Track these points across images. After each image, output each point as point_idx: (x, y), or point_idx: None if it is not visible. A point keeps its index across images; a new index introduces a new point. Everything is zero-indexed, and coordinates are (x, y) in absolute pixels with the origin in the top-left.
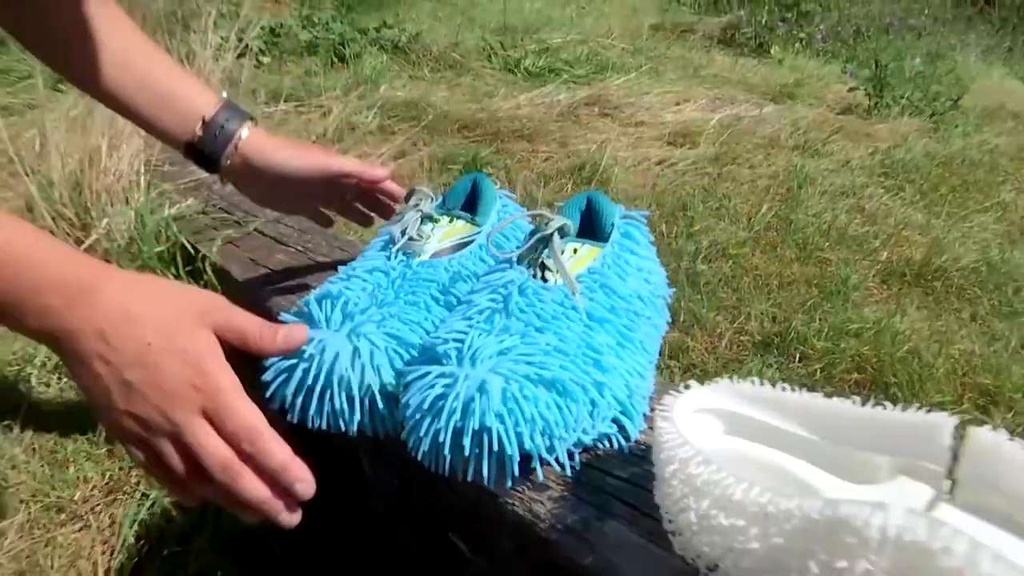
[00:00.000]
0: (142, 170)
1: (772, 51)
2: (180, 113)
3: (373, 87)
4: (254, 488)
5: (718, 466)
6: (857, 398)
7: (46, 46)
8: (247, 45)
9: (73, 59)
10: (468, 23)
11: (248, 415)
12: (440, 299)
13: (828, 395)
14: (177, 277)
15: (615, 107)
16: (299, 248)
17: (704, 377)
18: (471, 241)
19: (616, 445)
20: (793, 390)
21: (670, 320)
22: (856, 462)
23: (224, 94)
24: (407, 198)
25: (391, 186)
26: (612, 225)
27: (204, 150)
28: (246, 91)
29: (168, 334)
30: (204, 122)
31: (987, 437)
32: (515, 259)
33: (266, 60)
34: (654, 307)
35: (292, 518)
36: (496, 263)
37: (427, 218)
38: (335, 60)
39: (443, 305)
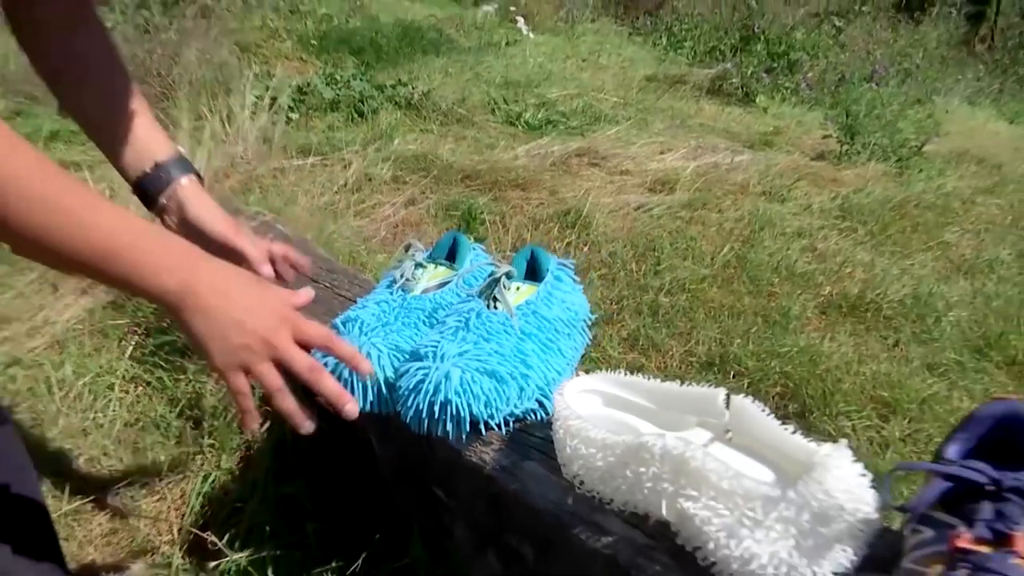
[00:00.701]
0: None
1: (758, 100)
2: (137, 152)
3: (388, 141)
4: (331, 382)
5: (584, 420)
6: (678, 381)
7: (43, 70)
8: (278, 103)
9: (63, 87)
10: (475, 78)
11: (321, 329)
12: (426, 321)
13: (663, 380)
14: None
15: (603, 157)
16: (327, 284)
17: None
18: (450, 281)
19: (538, 417)
20: (646, 377)
21: (590, 340)
22: (675, 419)
23: (182, 148)
24: (406, 248)
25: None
26: (547, 270)
27: (147, 188)
28: (278, 147)
29: (260, 285)
30: (155, 164)
31: (740, 401)
32: (476, 294)
33: (295, 116)
34: (574, 327)
35: (355, 409)
36: (464, 297)
37: (419, 265)
38: (355, 115)
39: (428, 325)
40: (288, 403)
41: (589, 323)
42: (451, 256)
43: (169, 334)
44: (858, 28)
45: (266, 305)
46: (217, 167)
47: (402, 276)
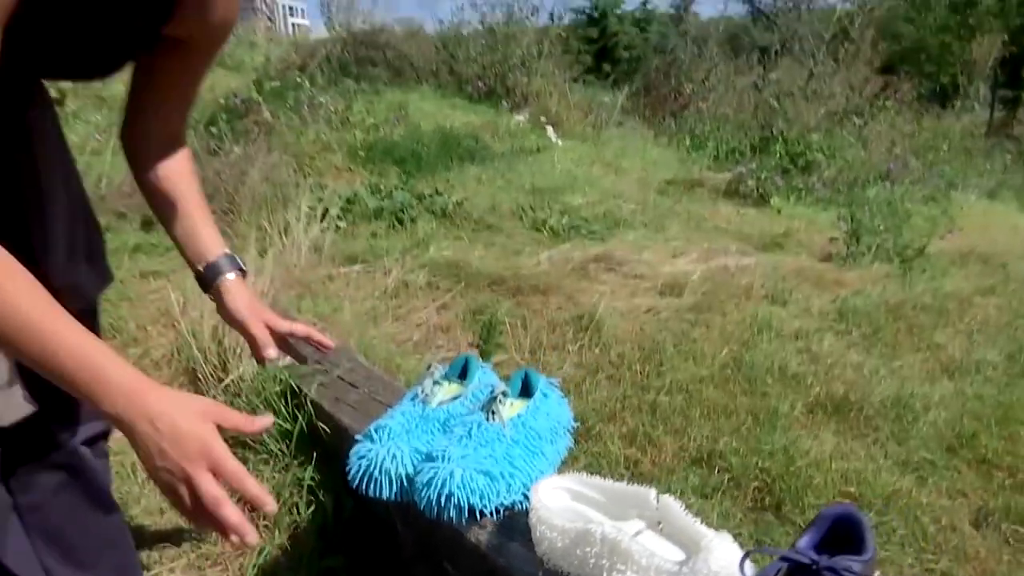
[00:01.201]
0: None
1: (772, 201)
2: (199, 249)
3: (424, 248)
4: (234, 512)
5: (550, 511)
6: (625, 481)
7: (142, 179)
8: (329, 214)
9: (155, 194)
10: (506, 185)
11: (234, 465)
12: (440, 429)
13: (618, 480)
14: (287, 408)
15: (619, 262)
16: (365, 390)
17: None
18: (460, 396)
19: (523, 507)
20: (604, 478)
21: (572, 444)
22: (622, 511)
23: (226, 248)
24: (427, 367)
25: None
26: (538, 388)
27: (204, 279)
28: (327, 256)
29: (189, 422)
30: (207, 263)
31: (666, 499)
32: (479, 407)
33: (343, 225)
34: (557, 435)
35: (255, 538)
36: (470, 409)
37: (436, 383)
38: (396, 224)
39: (441, 432)
40: (226, 513)
41: (572, 430)
42: (464, 374)
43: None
44: (881, 123)
45: (190, 439)
46: (276, 275)
47: (423, 391)
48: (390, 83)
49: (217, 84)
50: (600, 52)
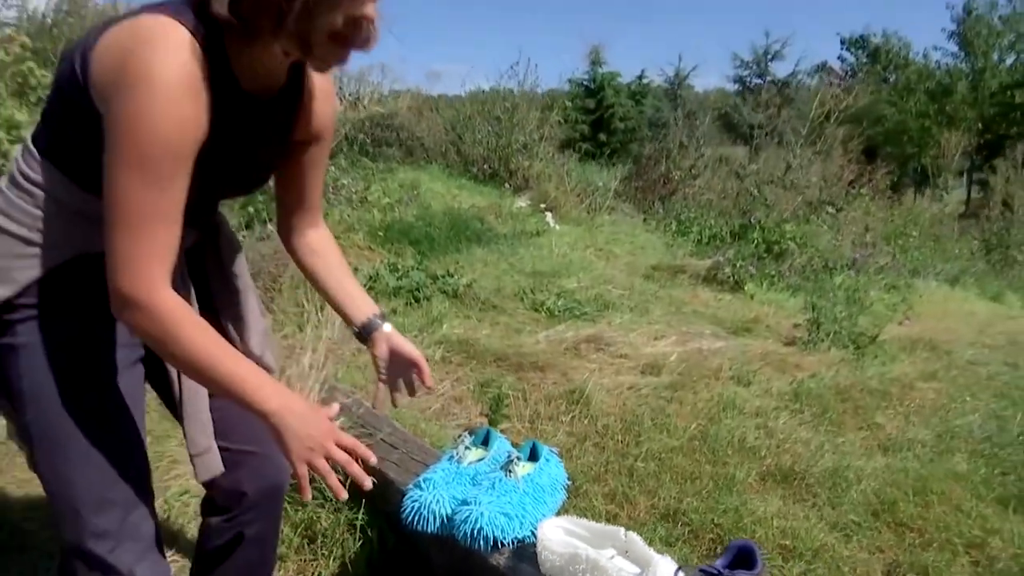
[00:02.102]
0: (315, 401)
1: (746, 287)
2: (354, 310)
3: (439, 326)
4: (357, 470)
5: (551, 541)
6: (604, 522)
7: (297, 256)
8: None
9: (308, 267)
10: (509, 268)
11: (349, 438)
12: (470, 482)
13: (598, 522)
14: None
15: (607, 343)
16: (404, 451)
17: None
18: (484, 458)
19: (531, 539)
20: (592, 520)
21: (566, 495)
22: (600, 543)
23: (377, 307)
24: (459, 436)
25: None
26: (541, 454)
27: (364, 333)
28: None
29: (318, 416)
30: (368, 318)
31: (631, 535)
32: (499, 467)
33: None
34: (556, 489)
35: (369, 484)
36: (493, 468)
37: (467, 448)
38: (413, 301)
39: (472, 485)
40: (354, 470)
41: (567, 486)
42: (486, 441)
43: (291, 478)
44: (856, 209)
45: (319, 424)
46: (315, 347)
47: (457, 454)
48: (403, 162)
49: None
50: (596, 122)
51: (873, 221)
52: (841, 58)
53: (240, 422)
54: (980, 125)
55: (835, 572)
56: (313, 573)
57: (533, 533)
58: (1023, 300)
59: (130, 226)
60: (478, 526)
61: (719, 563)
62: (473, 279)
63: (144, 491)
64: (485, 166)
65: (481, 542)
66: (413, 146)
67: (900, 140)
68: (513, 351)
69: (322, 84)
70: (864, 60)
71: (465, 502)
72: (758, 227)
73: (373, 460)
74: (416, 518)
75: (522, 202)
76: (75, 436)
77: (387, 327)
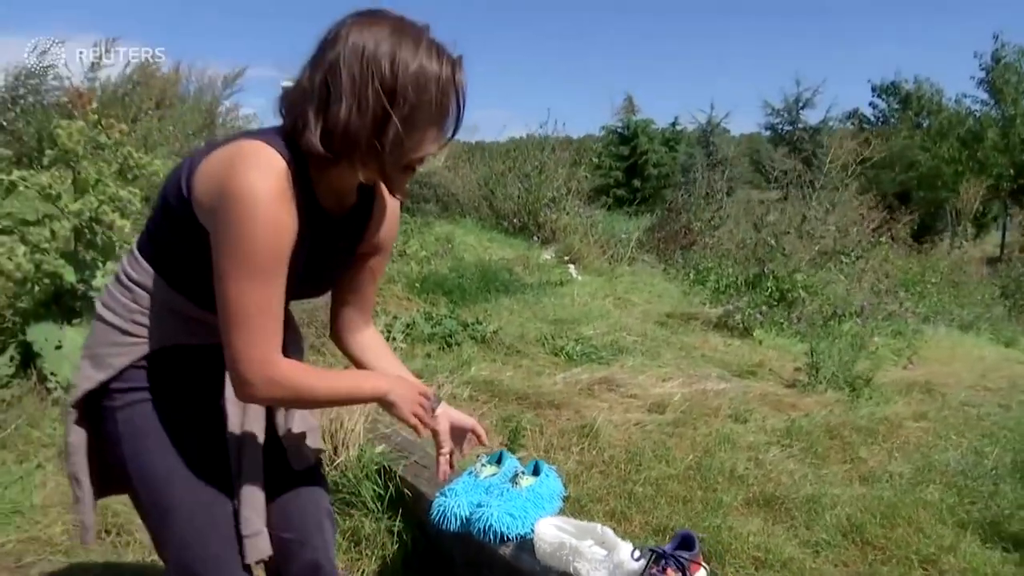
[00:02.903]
0: (361, 431)
1: (755, 333)
2: None
3: (467, 368)
4: (428, 422)
5: (545, 535)
6: (588, 522)
7: (345, 350)
8: (392, 336)
9: (357, 357)
10: (533, 316)
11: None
12: (485, 491)
13: (583, 520)
14: (381, 480)
15: (618, 384)
16: (433, 471)
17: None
18: (497, 473)
19: (530, 535)
20: (578, 519)
21: (563, 505)
22: (582, 535)
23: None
24: (477, 457)
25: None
26: (543, 470)
27: None
28: None
29: (417, 384)
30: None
31: (606, 529)
32: (508, 480)
33: (404, 346)
34: (553, 498)
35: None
36: (503, 481)
37: (483, 465)
38: (446, 346)
39: (486, 493)
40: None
41: (562, 496)
42: (499, 461)
43: (342, 491)
44: (875, 258)
45: (415, 390)
46: None
47: (475, 470)
48: (439, 216)
49: None
50: (631, 168)
51: (891, 268)
52: (873, 104)
53: (283, 510)
54: (1012, 171)
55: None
56: (358, 570)
57: (532, 530)
58: None
59: (243, 320)
60: (489, 524)
61: (667, 547)
62: (500, 326)
63: (230, 543)
64: (515, 219)
65: (491, 537)
66: (449, 201)
67: (934, 185)
68: (533, 391)
69: (391, 202)
70: (895, 106)
71: (480, 505)
72: (772, 276)
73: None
74: (441, 519)
75: (548, 254)
76: (178, 507)
77: (443, 406)
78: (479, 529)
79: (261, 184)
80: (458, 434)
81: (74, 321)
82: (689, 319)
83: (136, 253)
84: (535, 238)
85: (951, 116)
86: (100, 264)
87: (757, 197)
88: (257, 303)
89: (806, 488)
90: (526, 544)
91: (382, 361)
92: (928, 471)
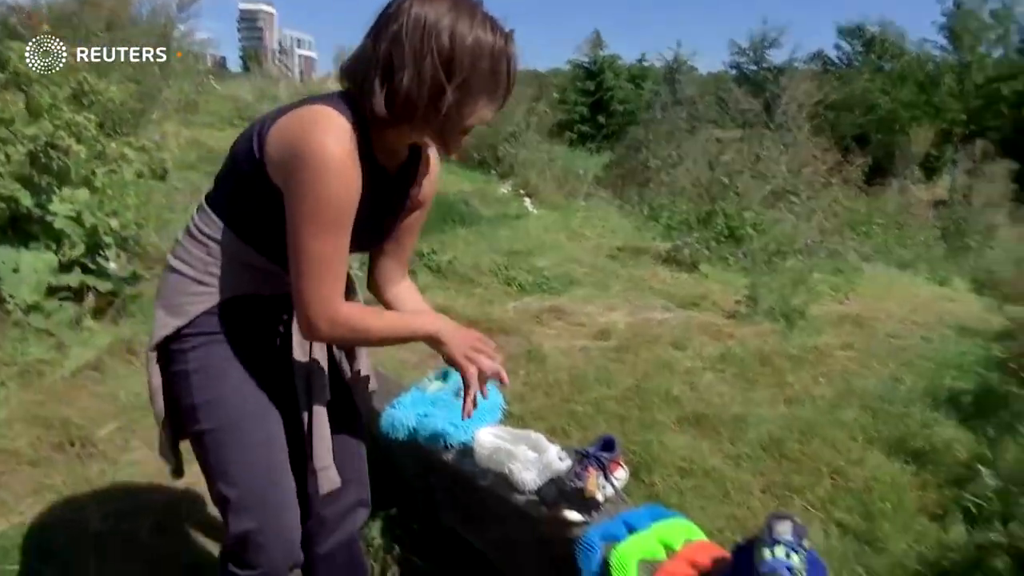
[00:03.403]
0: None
1: (702, 267)
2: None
3: (422, 295)
4: (501, 369)
5: (484, 441)
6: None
7: (380, 298)
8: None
9: (390, 302)
10: (488, 248)
11: (491, 343)
12: (432, 404)
13: (527, 429)
14: None
15: (566, 313)
16: (386, 388)
17: None
18: (443, 388)
19: (472, 442)
20: (514, 427)
21: (504, 414)
22: (516, 441)
23: None
24: (427, 375)
25: None
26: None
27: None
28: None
29: (467, 330)
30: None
31: (537, 434)
32: (453, 394)
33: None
34: (492, 410)
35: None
36: (448, 394)
37: (430, 380)
38: None
39: (432, 405)
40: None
41: (502, 408)
42: (444, 377)
43: None
44: (825, 199)
45: (473, 332)
46: None
47: (422, 385)
48: None
49: None
50: (596, 104)
51: (840, 209)
52: (837, 46)
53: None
54: (964, 117)
55: (720, 488)
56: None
57: (474, 437)
58: (967, 285)
59: (315, 268)
60: (434, 432)
61: (590, 448)
62: (455, 256)
63: (288, 481)
64: (475, 154)
65: (438, 443)
66: None
67: (892, 128)
68: (484, 318)
69: (434, 160)
70: (859, 49)
71: (426, 416)
72: (722, 214)
73: (506, 380)
74: (390, 429)
75: (505, 188)
76: (242, 438)
77: None
78: (425, 437)
79: (333, 146)
80: (483, 377)
81: (31, 245)
82: (639, 253)
83: (207, 209)
84: (493, 172)
85: (911, 60)
86: (56, 189)
87: (718, 135)
88: (327, 253)
89: (734, 408)
90: (467, 451)
91: (418, 310)
92: (848, 395)
